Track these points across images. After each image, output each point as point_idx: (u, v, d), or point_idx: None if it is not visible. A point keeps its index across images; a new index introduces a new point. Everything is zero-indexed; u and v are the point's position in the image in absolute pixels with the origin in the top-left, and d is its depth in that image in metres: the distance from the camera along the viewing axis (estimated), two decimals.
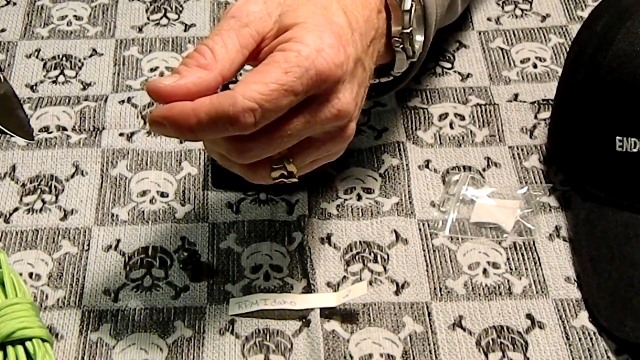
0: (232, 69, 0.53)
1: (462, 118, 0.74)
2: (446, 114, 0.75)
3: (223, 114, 0.50)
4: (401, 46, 0.61)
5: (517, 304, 0.62)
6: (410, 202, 0.68)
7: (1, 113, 0.74)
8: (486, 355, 0.59)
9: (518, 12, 0.85)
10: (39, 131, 0.73)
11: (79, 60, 0.80)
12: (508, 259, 0.65)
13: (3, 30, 0.82)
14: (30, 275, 0.64)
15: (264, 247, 0.66)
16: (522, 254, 0.65)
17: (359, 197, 0.69)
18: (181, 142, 0.73)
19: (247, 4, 0.55)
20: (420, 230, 0.66)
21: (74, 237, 0.66)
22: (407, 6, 0.60)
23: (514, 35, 0.82)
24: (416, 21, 0.62)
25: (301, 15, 0.54)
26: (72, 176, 0.70)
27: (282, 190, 0.69)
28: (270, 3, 0.55)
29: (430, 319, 0.61)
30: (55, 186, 0.70)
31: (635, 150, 0.63)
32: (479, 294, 0.62)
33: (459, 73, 0.78)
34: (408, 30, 0.60)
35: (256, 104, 0.50)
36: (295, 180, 0.56)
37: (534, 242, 0.66)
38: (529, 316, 0.61)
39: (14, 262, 0.65)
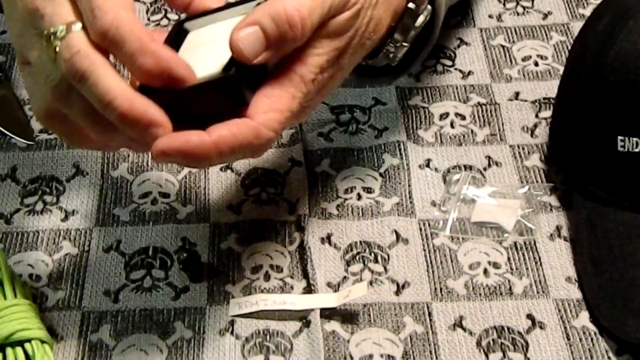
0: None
1: (463, 117, 0.74)
2: (447, 114, 0.74)
3: (248, 146, 0.51)
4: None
5: (517, 304, 0.62)
6: (410, 202, 0.68)
7: (1, 114, 0.74)
8: (487, 356, 0.59)
9: (520, 9, 0.84)
10: (39, 132, 0.73)
11: None
12: (509, 258, 0.64)
13: (4, 32, 0.82)
14: (31, 276, 0.64)
15: (264, 247, 0.66)
16: (523, 254, 0.65)
17: (359, 197, 0.69)
18: None
19: None
20: (420, 230, 0.66)
21: (75, 238, 0.66)
22: None
23: (516, 33, 0.82)
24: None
25: None
26: (73, 177, 0.70)
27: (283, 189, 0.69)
28: None
29: (430, 319, 0.61)
30: (56, 187, 0.70)
31: (637, 150, 0.63)
32: (480, 294, 0.62)
33: (460, 71, 0.78)
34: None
35: (276, 132, 0.52)
36: None
37: (534, 241, 0.65)
38: (529, 316, 0.61)
39: (14, 263, 0.65)
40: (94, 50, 0.50)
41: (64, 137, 0.57)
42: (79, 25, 0.51)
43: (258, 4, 0.54)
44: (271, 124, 0.52)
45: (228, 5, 0.57)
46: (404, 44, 0.62)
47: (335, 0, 0.54)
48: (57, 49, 0.50)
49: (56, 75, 0.52)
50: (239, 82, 0.52)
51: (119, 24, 0.50)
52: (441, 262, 0.64)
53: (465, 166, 0.71)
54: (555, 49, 0.80)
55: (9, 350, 0.57)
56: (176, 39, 0.56)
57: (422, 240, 0.66)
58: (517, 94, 0.76)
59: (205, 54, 0.54)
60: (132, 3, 0.52)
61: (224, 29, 0.55)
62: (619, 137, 0.63)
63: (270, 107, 0.52)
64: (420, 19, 0.62)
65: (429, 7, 0.63)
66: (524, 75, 0.78)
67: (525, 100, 0.75)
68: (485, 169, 0.70)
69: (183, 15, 0.57)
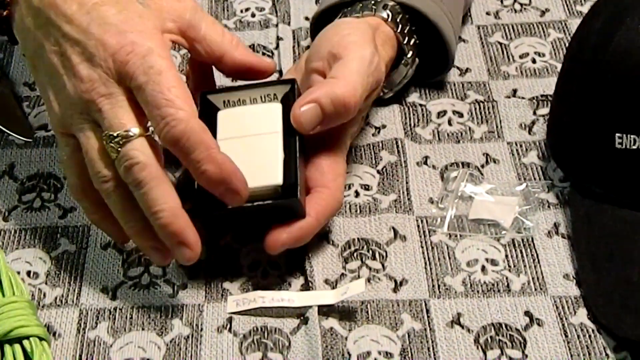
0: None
1: (461, 115, 0.74)
2: (444, 111, 0.74)
3: (333, 210, 0.63)
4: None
5: (515, 301, 0.62)
6: (408, 199, 0.68)
7: (0, 112, 0.74)
8: (484, 353, 0.59)
9: (517, 6, 0.84)
10: (37, 129, 0.73)
11: None
12: (506, 255, 0.64)
13: None
14: (28, 273, 0.64)
15: (261, 244, 0.65)
16: (521, 251, 0.65)
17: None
18: None
19: None
20: (418, 227, 0.66)
21: (73, 235, 0.66)
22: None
23: (513, 30, 0.82)
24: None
25: None
26: None
27: None
28: None
29: (428, 316, 0.61)
30: (54, 184, 0.70)
31: (634, 147, 0.63)
32: (478, 291, 0.62)
33: (458, 68, 0.78)
34: None
35: (343, 192, 0.64)
36: None
37: (532, 239, 0.65)
38: (527, 313, 0.61)
39: (12, 261, 0.65)
40: (152, 162, 0.56)
41: (88, 212, 0.62)
42: (137, 130, 0.56)
43: (286, 92, 0.62)
44: (341, 186, 0.63)
45: (251, 85, 0.64)
46: (390, 92, 0.73)
47: (374, 81, 0.63)
48: (117, 153, 0.56)
49: (107, 174, 0.57)
50: (300, 204, 0.59)
51: (190, 134, 0.55)
52: (439, 259, 0.64)
53: (462, 163, 0.71)
54: (552, 46, 0.80)
55: (7, 348, 0.57)
56: (209, 116, 0.62)
57: (420, 237, 0.66)
58: (515, 91, 0.76)
59: (249, 154, 0.60)
60: (196, 108, 0.57)
61: (255, 116, 0.62)
62: (617, 134, 0.63)
63: (336, 173, 0.63)
64: (410, 72, 0.71)
65: (417, 60, 0.71)
66: (521, 72, 0.78)
67: (523, 98, 0.76)
68: (482, 166, 0.70)
69: None
